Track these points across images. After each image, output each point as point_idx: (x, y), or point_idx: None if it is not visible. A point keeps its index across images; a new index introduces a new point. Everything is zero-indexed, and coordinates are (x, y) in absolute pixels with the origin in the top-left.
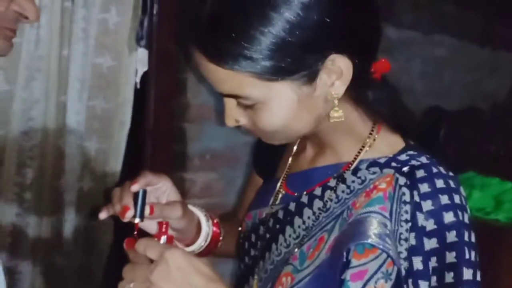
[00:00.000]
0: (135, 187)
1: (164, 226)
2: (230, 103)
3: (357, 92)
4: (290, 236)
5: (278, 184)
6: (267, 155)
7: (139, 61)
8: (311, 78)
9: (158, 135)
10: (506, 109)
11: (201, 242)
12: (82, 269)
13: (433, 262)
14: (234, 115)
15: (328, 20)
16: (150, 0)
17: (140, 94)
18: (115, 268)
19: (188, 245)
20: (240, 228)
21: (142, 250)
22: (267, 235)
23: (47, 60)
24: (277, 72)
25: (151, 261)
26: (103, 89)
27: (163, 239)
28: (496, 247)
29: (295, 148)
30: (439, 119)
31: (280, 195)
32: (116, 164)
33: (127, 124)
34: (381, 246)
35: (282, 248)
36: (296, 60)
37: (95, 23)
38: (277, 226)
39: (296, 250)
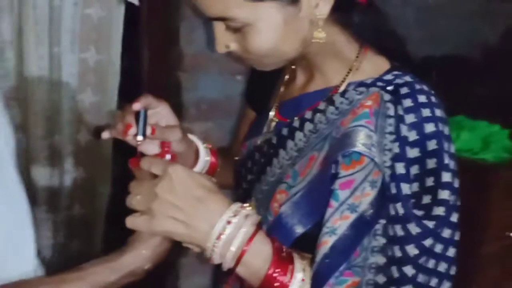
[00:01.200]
0: (136, 105)
1: (167, 145)
2: (219, 29)
3: (342, 15)
4: (283, 158)
5: (271, 113)
6: (259, 88)
7: None
8: None
9: (154, 85)
10: (495, 55)
11: (200, 168)
12: (82, 221)
13: (414, 169)
14: (224, 41)
15: None
16: None
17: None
18: (115, 220)
19: None
20: (236, 158)
21: (147, 166)
22: (262, 160)
23: (40, 11)
24: None
25: (155, 177)
26: (95, 40)
27: (167, 157)
28: (484, 184)
29: (286, 77)
30: (430, 66)
31: (273, 123)
32: (110, 115)
33: (118, 75)
34: (367, 153)
35: (276, 169)
36: None
37: None
38: (271, 150)
39: (288, 169)
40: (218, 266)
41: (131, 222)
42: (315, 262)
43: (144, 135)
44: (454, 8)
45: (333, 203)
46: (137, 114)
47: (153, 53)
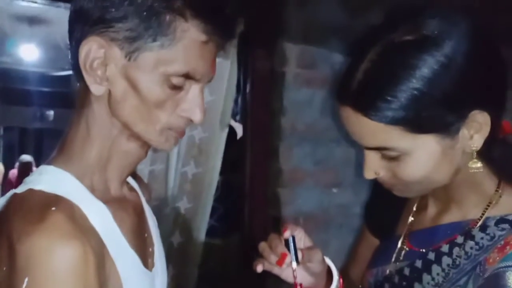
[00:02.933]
0: (287, 234)
1: (299, 286)
2: (371, 156)
3: (485, 148)
4: None
5: (400, 241)
6: (383, 214)
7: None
8: (455, 131)
9: (255, 199)
10: None
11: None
12: None
13: None
14: (374, 167)
15: (468, 79)
16: (243, 82)
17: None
18: None
19: None
20: (360, 286)
21: None
22: None
23: None
24: (426, 127)
25: None
26: (194, 156)
27: None
28: None
29: (415, 205)
30: None
31: (403, 252)
32: (202, 220)
33: (214, 186)
34: None
35: None
36: (443, 117)
37: None
38: (404, 283)
39: None
40: None
41: None
42: None
43: (297, 260)
44: None
45: None
46: (286, 241)
47: (254, 169)
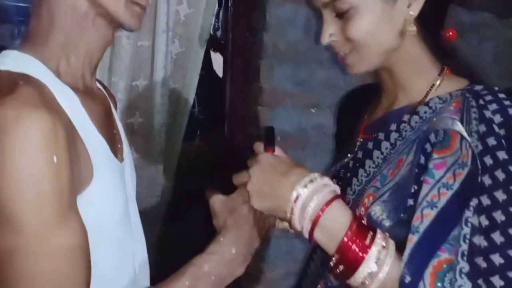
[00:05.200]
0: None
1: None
2: (328, 17)
3: (429, 35)
4: (369, 166)
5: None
6: (346, 132)
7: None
8: None
9: (235, 118)
10: None
11: None
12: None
13: (506, 140)
14: (330, 30)
15: None
16: None
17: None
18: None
19: None
20: None
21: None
22: (348, 174)
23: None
24: None
25: None
26: (171, 72)
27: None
28: None
29: (367, 113)
30: None
31: (358, 143)
32: (179, 136)
33: (190, 102)
34: (456, 130)
35: (363, 178)
36: None
37: (172, 15)
38: (357, 164)
39: (376, 175)
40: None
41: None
42: (417, 232)
43: (273, 149)
44: None
45: (429, 180)
46: (266, 130)
47: (235, 88)
